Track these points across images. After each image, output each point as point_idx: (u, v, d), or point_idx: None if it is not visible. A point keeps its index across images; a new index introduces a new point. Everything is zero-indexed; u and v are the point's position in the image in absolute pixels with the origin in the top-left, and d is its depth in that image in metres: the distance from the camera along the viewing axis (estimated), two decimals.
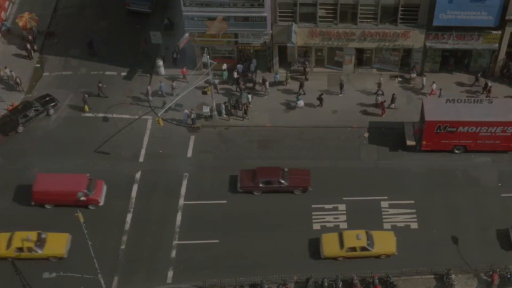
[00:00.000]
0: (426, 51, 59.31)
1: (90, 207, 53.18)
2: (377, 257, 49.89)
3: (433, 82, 59.53)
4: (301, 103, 59.04)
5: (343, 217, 52.49)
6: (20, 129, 58.62)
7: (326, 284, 47.94)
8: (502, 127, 53.64)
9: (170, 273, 50.12)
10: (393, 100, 58.65)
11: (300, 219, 52.40)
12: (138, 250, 51.26)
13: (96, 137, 58.26)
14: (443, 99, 55.52)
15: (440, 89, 59.03)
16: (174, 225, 52.54)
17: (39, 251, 49.95)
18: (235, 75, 60.72)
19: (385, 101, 58.44)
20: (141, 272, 50.09)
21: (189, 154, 57.27)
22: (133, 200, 54.13)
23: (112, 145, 57.74)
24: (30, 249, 49.81)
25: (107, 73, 62.89)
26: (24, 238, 49.86)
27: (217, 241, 51.54)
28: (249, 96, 59.13)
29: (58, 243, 50.49)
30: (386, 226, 51.76)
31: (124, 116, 59.98)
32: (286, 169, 53.88)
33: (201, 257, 50.70)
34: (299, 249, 50.82)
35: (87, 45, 64.28)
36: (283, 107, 59.75)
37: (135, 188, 54.86)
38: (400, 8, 56.41)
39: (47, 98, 60.14)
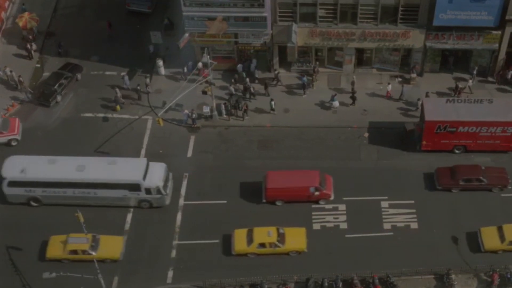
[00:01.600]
0: (426, 51, 59.31)
1: (321, 202, 53.02)
2: None
3: (388, 83, 59.68)
4: (336, 103, 58.89)
5: (343, 217, 52.50)
6: (59, 98, 60.29)
7: (326, 284, 47.94)
8: (502, 127, 53.63)
9: (170, 273, 50.12)
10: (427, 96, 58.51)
11: (300, 219, 52.39)
12: (138, 250, 51.28)
13: (96, 137, 58.27)
14: (443, 99, 55.54)
15: (403, 89, 58.94)
16: (174, 225, 52.56)
17: (281, 246, 49.78)
18: (256, 74, 60.69)
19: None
20: (141, 272, 50.09)
21: (189, 154, 57.27)
22: None
23: (112, 145, 57.74)
24: (272, 245, 49.60)
25: (107, 73, 62.87)
26: (264, 233, 49.78)
27: (217, 241, 51.54)
28: (273, 103, 58.79)
29: (298, 238, 50.22)
30: (386, 226, 51.78)
31: (124, 116, 59.99)
32: (483, 167, 53.61)
33: (201, 257, 50.70)
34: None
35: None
36: (283, 108, 59.75)
37: None
38: (400, 8, 56.40)
39: (71, 66, 62.51)
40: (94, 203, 52.68)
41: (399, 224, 51.98)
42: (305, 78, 60.29)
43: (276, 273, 49.13)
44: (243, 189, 54.21)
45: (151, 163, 52.90)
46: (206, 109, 58.89)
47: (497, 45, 57.85)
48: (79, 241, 49.55)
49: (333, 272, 48.75)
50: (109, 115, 59.88)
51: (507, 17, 55.54)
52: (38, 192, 52.37)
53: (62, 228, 50.91)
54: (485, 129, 53.82)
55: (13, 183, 52.12)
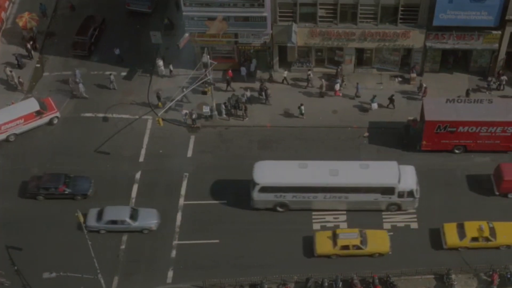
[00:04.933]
0: (426, 51, 59.33)
1: None
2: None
3: (337, 82, 59.68)
4: (375, 105, 58.76)
5: (343, 217, 52.52)
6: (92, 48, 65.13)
7: (326, 284, 47.97)
8: (502, 127, 53.65)
9: (170, 273, 50.16)
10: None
11: (300, 219, 52.40)
12: (138, 250, 51.31)
13: (96, 137, 58.29)
14: (443, 99, 55.55)
15: (357, 86, 59.08)
16: (174, 225, 52.57)
17: (494, 240, 49.63)
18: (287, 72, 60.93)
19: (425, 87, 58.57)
20: (141, 272, 50.14)
21: (189, 154, 57.30)
22: (133, 200, 54.16)
23: (112, 145, 57.77)
24: (486, 239, 49.49)
25: (107, 73, 62.84)
26: (477, 227, 49.52)
27: (217, 241, 51.58)
28: (302, 107, 58.06)
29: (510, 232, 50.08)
30: (386, 226, 51.81)
31: (124, 116, 60.01)
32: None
33: (201, 257, 50.73)
34: (299, 249, 50.85)
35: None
36: (283, 108, 59.77)
37: (135, 188, 54.89)
38: (400, 8, 56.42)
39: (91, 19, 66.20)
40: (342, 207, 52.15)
41: (399, 224, 52.01)
42: (339, 80, 60.02)
43: (276, 273, 49.17)
44: (243, 189, 54.19)
45: (400, 166, 51.75)
46: (206, 109, 58.90)
47: (497, 45, 57.86)
48: (350, 236, 49.51)
49: (333, 272, 48.79)
50: (109, 115, 59.91)
51: (507, 17, 55.56)
52: (288, 197, 51.57)
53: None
54: (485, 129, 53.84)
55: (264, 189, 51.26)
